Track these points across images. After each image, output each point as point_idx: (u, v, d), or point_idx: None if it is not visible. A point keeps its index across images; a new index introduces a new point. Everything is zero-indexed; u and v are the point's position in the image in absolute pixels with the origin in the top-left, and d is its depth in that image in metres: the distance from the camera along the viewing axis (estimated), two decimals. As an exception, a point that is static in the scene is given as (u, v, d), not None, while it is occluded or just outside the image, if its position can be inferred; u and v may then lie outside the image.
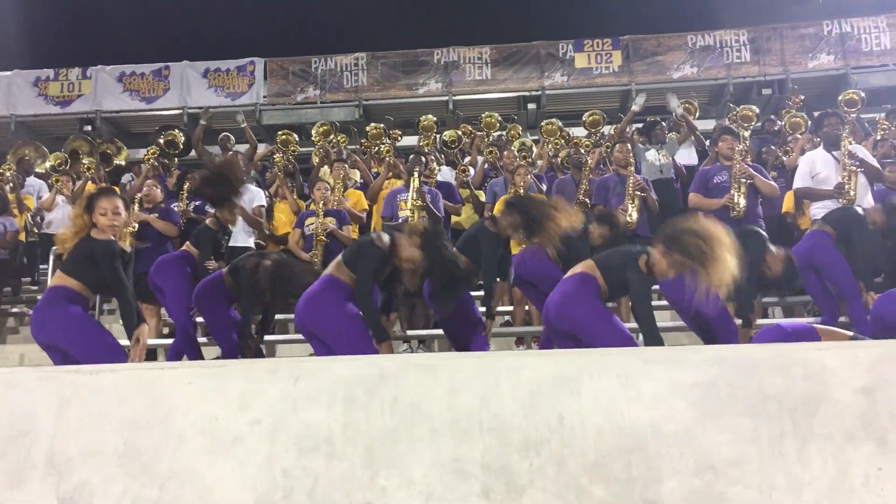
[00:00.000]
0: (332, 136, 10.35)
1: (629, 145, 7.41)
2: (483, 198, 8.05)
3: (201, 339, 5.87)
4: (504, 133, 10.65)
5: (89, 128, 14.59)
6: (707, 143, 8.73)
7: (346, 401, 2.71)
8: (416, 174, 7.26)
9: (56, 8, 18.35)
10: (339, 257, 4.75)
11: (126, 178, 10.38)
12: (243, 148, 10.25)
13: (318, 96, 15.40)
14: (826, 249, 5.76)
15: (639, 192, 6.83)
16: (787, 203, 7.25)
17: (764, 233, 5.50)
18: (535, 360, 2.88)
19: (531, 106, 15.17)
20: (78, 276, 4.27)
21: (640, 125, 9.31)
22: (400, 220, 7.00)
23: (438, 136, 10.84)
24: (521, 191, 7.02)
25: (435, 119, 10.83)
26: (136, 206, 7.22)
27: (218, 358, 5.38)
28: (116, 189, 5.72)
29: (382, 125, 10.38)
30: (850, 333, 3.92)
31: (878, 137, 8.27)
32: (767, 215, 6.90)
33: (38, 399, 2.81)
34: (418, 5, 19.45)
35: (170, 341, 5.98)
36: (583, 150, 8.57)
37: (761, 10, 16.88)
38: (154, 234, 6.91)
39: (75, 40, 18.22)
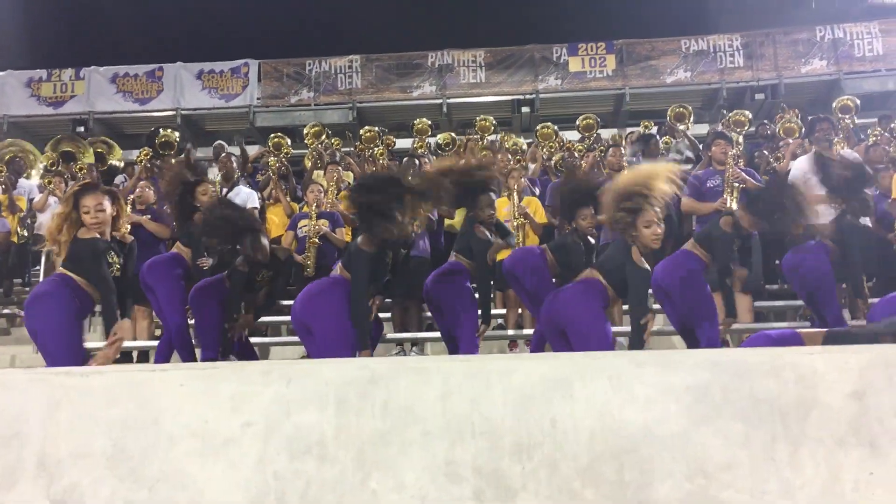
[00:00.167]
0: (323, 137, 10.30)
1: (622, 149, 7.41)
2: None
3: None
4: (497, 138, 10.65)
5: (82, 129, 14.52)
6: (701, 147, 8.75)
7: (338, 403, 2.71)
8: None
9: (49, 8, 18.28)
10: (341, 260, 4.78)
11: (119, 179, 10.33)
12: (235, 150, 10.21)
13: (312, 98, 15.38)
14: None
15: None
16: (780, 207, 7.26)
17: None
18: (527, 363, 2.88)
19: (525, 109, 15.18)
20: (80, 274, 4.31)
21: (632, 132, 9.32)
22: None
23: (432, 139, 10.83)
24: (515, 195, 7.01)
25: (429, 122, 10.83)
26: (129, 208, 7.19)
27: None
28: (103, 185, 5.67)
29: (377, 129, 10.37)
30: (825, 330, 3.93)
31: (870, 143, 8.30)
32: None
33: (29, 401, 2.80)
34: (412, 8, 19.45)
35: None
36: (577, 154, 8.58)
37: (755, 15, 16.96)
38: (146, 236, 6.89)
39: (68, 41, 18.19)
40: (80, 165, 9.52)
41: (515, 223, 6.83)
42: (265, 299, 5.58)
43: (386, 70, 15.63)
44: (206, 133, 15.19)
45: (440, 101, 15.12)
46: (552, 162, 9.34)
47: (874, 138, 8.59)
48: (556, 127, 10.61)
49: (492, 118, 11.00)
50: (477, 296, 5.30)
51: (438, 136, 10.12)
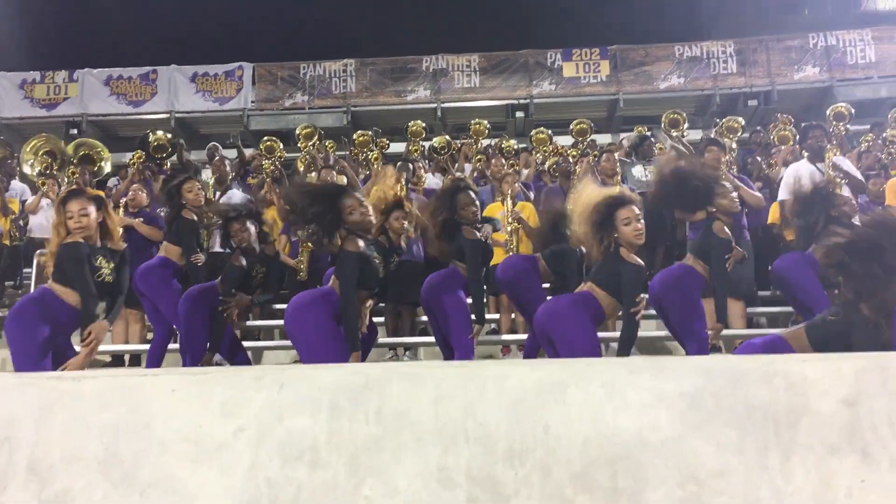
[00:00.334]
0: (314, 139, 10.28)
1: (616, 155, 7.43)
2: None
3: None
4: (491, 142, 10.68)
5: (75, 131, 14.49)
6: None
7: (330, 409, 2.70)
8: (402, 181, 7.27)
9: (43, 10, 18.25)
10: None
11: (112, 181, 10.31)
12: (230, 152, 10.19)
13: (307, 102, 15.40)
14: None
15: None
16: (773, 214, 7.29)
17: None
18: (520, 368, 2.88)
19: (519, 114, 15.24)
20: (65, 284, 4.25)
21: (627, 136, 9.34)
22: None
23: (426, 143, 10.84)
24: (509, 200, 7.02)
25: (423, 125, 10.84)
26: (121, 211, 7.18)
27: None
28: (89, 190, 5.63)
29: (370, 132, 10.37)
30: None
31: (863, 149, 8.35)
32: (752, 226, 6.93)
33: (20, 405, 2.79)
34: (407, 12, 19.49)
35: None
36: (571, 160, 8.61)
37: (748, 22, 17.07)
38: (139, 239, 6.87)
39: (62, 43, 18.15)
40: (72, 170, 9.47)
41: (509, 228, 6.84)
42: (260, 294, 5.59)
43: (380, 74, 15.66)
44: (200, 136, 15.18)
45: (434, 105, 15.16)
46: (546, 166, 9.36)
47: (866, 144, 8.64)
48: (550, 132, 10.64)
49: (486, 122, 11.01)
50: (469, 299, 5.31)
51: (434, 139, 10.14)
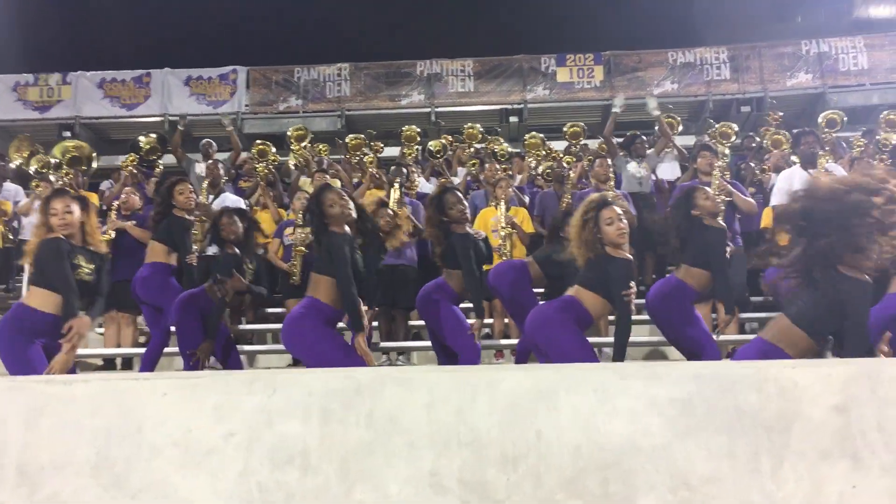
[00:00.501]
0: (306, 142, 10.23)
1: (609, 160, 7.45)
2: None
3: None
4: (485, 146, 10.66)
5: (68, 133, 14.45)
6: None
7: (322, 414, 2.70)
8: (396, 185, 7.27)
9: (36, 13, 18.21)
10: (312, 272, 4.57)
11: (105, 184, 10.27)
12: (224, 155, 10.16)
13: (301, 106, 15.41)
14: None
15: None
16: (766, 219, 7.31)
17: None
18: (512, 374, 2.87)
19: (513, 119, 15.27)
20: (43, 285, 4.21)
21: (621, 139, 9.35)
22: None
23: (420, 147, 10.82)
24: (503, 204, 7.01)
25: (418, 129, 10.83)
26: (114, 214, 7.16)
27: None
28: (73, 190, 5.61)
29: (363, 136, 10.35)
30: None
31: (855, 156, 8.37)
32: (746, 231, 6.96)
33: (9, 409, 2.77)
34: (402, 17, 19.52)
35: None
36: (566, 165, 8.61)
37: (741, 28, 17.14)
38: (131, 242, 6.84)
39: (56, 45, 18.12)
40: (65, 171, 9.43)
41: (503, 233, 6.84)
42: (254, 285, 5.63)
43: (375, 78, 15.68)
44: (194, 139, 15.10)
45: (429, 109, 15.18)
46: (539, 171, 9.36)
47: (858, 148, 8.67)
48: (542, 136, 10.64)
49: (479, 126, 11.01)
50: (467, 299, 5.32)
51: (430, 143, 10.14)
